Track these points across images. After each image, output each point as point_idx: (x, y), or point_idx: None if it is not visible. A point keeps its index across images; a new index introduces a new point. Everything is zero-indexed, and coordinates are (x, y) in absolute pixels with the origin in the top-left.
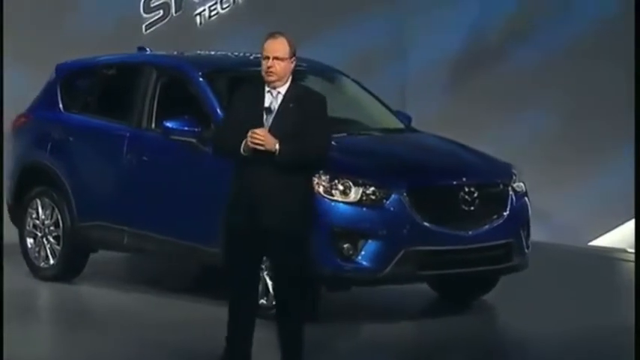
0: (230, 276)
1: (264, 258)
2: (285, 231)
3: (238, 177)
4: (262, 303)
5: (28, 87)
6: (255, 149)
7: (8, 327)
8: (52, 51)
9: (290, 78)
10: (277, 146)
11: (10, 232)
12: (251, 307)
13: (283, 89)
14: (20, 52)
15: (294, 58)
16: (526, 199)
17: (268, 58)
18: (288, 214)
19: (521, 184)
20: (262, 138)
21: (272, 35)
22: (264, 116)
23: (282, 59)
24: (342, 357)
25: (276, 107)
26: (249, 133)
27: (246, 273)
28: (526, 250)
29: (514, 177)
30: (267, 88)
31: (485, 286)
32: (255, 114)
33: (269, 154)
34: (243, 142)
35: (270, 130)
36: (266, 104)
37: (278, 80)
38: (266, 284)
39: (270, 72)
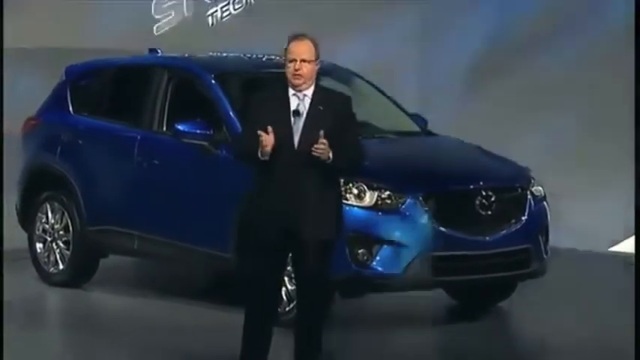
0: (252, 284)
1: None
2: (322, 239)
3: (269, 183)
4: None
5: (37, 89)
6: (283, 154)
7: (17, 333)
8: (61, 52)
9: (314, 80)
10: (331, 155)
11: (19, 236)
12: (271, 315)
13: (309, 92)
14: (29, 54)
15: (318, 60)
16: (545, 203)
17: (295, 60)
18: (325, 222)
19: (540, 188)
20: (326, 146)
21: (297, 37)
22: (292, 119)
23: (308, 61)
24: None
25: (306, 110)
26: (315, 146)
27: (270, 281)
28: (545, 256)
29: (532, 181)
30: (292, 91)
31: (502, 292)
32: (282, 117)
33: (305, 159)
34: (264, 145)
35: (303, 134)
36: (293, 107)
37: (305, 83)
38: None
39: (298, 75)
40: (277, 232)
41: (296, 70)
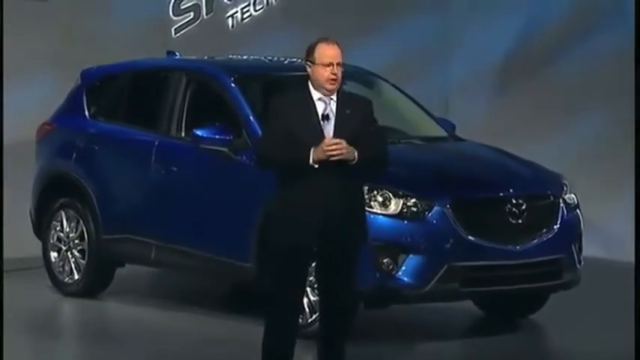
0: (274, 294)
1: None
2: (351, 247)
3: (298, 189)
4: None
5: (54, 92)
6: (323, 160)
7: (30, 344)
8: (77, 55)
9: None
10: (356, 154)
11: (33, 245)
12: (293, 327)
13: (334, 95)
14: (45, 57)
15: None
16: (578, 211)
17: (331, 64)
18: (355, 229)
19: (573, 195)
20: (344, 147)
21: (326, 40)
22: (321, 124)
23: (340, 64)
24: None
25: (334, 115)
26: (326, 144)
27: (293, 292)
28: (578, 266)
29: (565, 188)
30: (317, 95)
31: (533, 304)
32: (310, 122)
33: (337, 164)
34: (313, 152)
35: (334, 137)
36: (321, 112)
37: (338, 86)
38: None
39: (335, 79)
40: (305, 240)
41: (334, 75)
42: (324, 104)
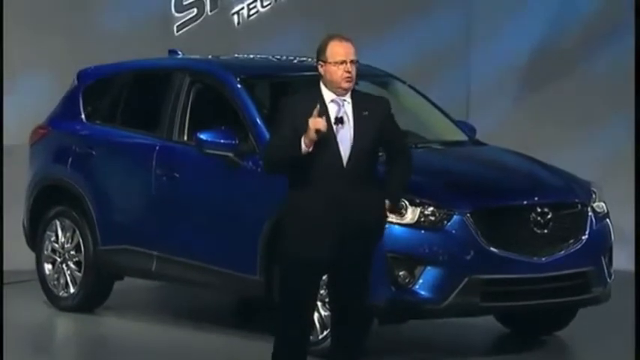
0: (284, 308)
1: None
2: (368, 252)
3: (313, 199)
4: None
5: (50, 94)
6: (329, 166)
7: None
8: (74, 54)
9: None
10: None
11: (27, 257)
12: (303, 343)
13: (348, 97)
14: (41, 56)
15: None
16: (608, 221)
17: (345, 62)
18: (371, 236)
19: (602, 204)
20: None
21: (338, 37)
22: (334, 128)
23: (354, 63)
24: None
25: (351, 118)
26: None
27: (305, 306)
28: (608, 280)
29: (594, 196)
30: (329, 97)
31: (560, 320)
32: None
33: (351, 171)
34: (303, 139)
35: (353, 145)
36: (333, 115)
37: (353, 85)
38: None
39: (350, 78)
40: (318, 250)
41: (348, 73)
42: (338, 106)
